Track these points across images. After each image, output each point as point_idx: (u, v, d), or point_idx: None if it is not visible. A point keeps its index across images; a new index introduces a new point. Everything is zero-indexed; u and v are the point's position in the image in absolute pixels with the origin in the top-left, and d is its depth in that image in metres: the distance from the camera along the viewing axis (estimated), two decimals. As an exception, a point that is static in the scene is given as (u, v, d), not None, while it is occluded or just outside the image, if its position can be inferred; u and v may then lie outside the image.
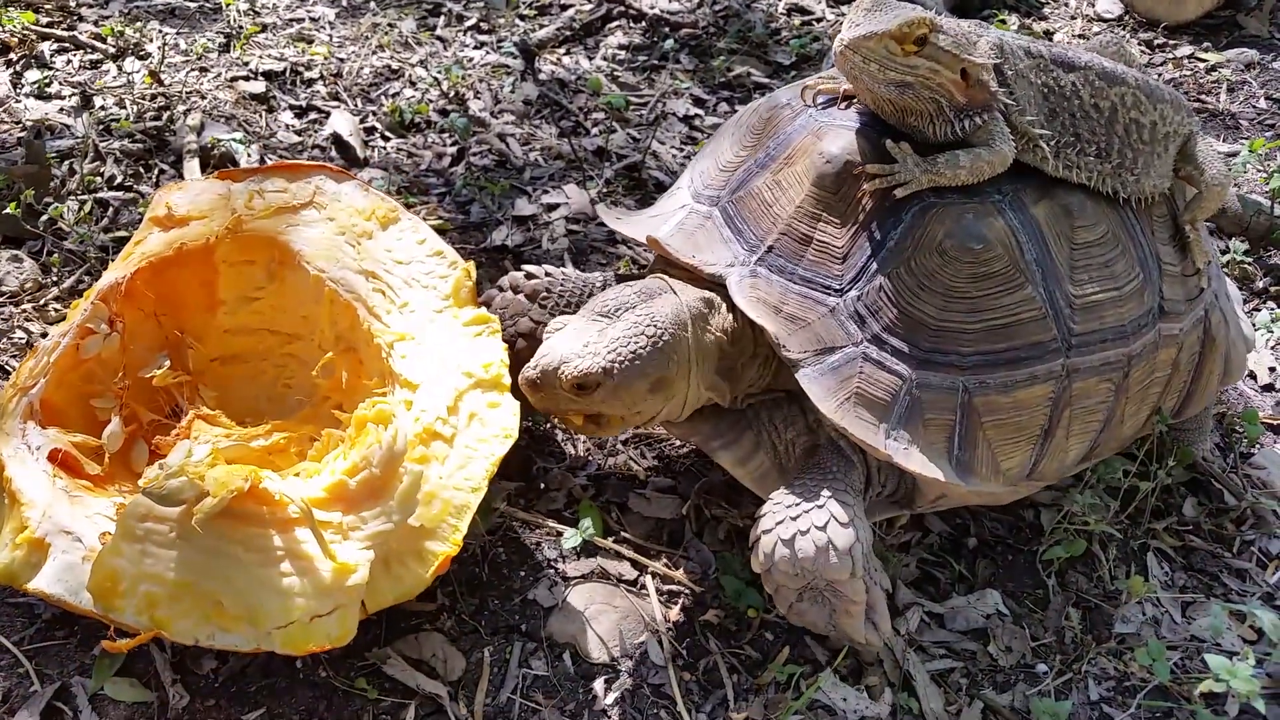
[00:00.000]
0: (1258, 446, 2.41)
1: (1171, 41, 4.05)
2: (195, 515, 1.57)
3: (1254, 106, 3.65)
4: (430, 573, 1.70)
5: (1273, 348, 2.67)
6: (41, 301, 2.49)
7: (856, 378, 1.76)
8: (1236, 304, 2.26)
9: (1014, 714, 1.84)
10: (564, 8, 3.97)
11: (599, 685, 1.81)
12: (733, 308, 1.88)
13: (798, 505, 1.73)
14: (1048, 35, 4.04)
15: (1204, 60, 3.91)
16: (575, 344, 1.73)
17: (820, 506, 1.71)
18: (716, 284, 1.88)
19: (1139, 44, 4.03)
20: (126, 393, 1.96)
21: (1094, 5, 4.28)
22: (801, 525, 1.69)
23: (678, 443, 2.29)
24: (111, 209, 2.77)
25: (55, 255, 2.58)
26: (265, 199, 2.07)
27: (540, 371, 1.72)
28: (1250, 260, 2.87)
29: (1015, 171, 1.83)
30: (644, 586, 1.98)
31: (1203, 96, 3.71)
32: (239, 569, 1.61)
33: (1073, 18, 4.22)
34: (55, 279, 2.55)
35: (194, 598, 1.59)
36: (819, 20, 4.00)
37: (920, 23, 1.68)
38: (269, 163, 2.99)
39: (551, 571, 1.98)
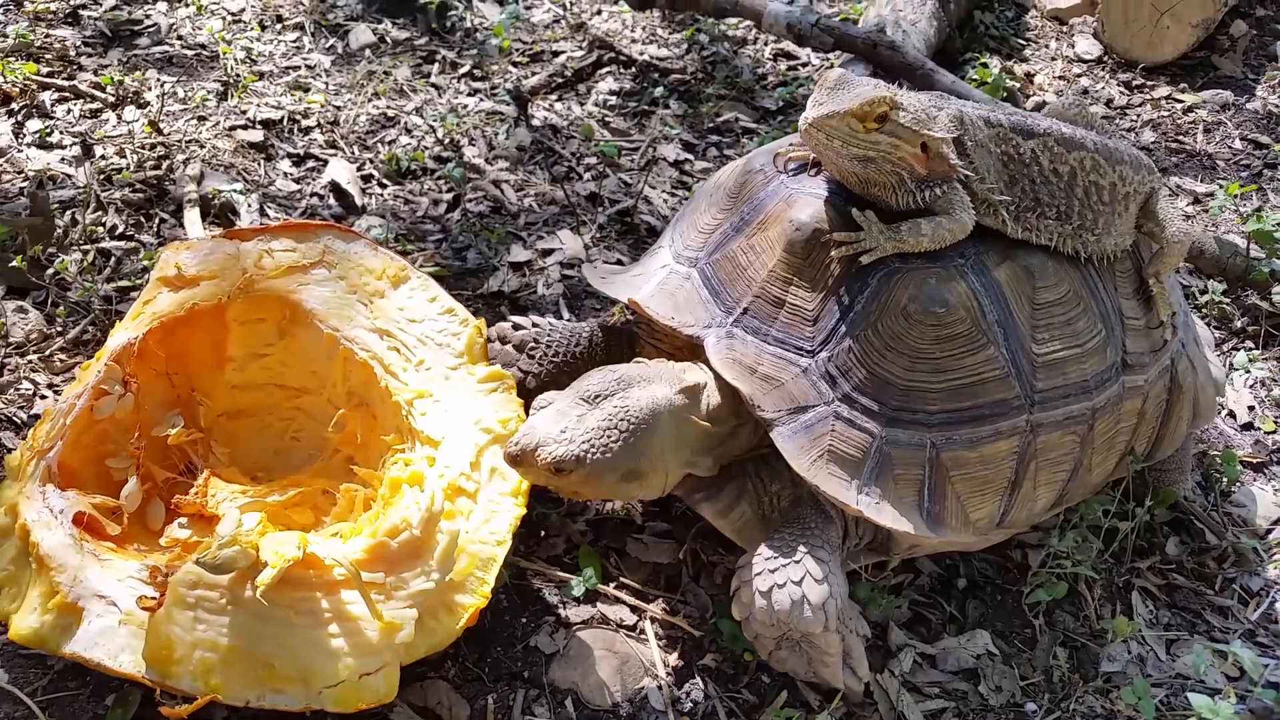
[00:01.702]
0: (1238, 485, 2.47)
1: (1149, 82, 4.14)
2: (258, 586, 1.62)
3: (1229, 147, 3.75)
4: (461, 625, 1.77)
5: (1251, 387, 2.74)
6: (47, 352, 2.53)
7: (828, 435, 1.83)
8: (1207, 348, 2.33)
9: (1005, 753, 1.90)
10: (555, 55, 4.05)
11: (601, 731, 1.86)
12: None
13: (776, 559, 1.81)
14: (1028, 77, 4.13)
15: (1181, 101, 4.01)
16: (554, 428, 1.77)
17: (797, 562, 1.79)
18: (695, 344, 1.95)
19: (1118, 84, 4.13)
20: (141, 452, 2.00)
21: (1074, 47, 4.38)
22: (779, 579, 1.77)
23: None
24: (114, 259, 2.82)
25: (60, 307, 2.62)
26: (275, 258, 2.13)
27: (520, 450, 1.77)
28: (1228, 300, 2.95)
29: (979, 235, 1.91)
30: (643, 631, 2.03)
31: (1180, 137, 3.81)
32: (289, 632, 1.66)
33: (1053, 59, 4.31)
34: (60, 329, 2.60)
35: (246, 661, 1.64)
36: (804, 65, 4.08)
37: (881, 101, 1.77)
38: (269, 212, 3.05)
39: (552, 618, 2.03)
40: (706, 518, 1.99)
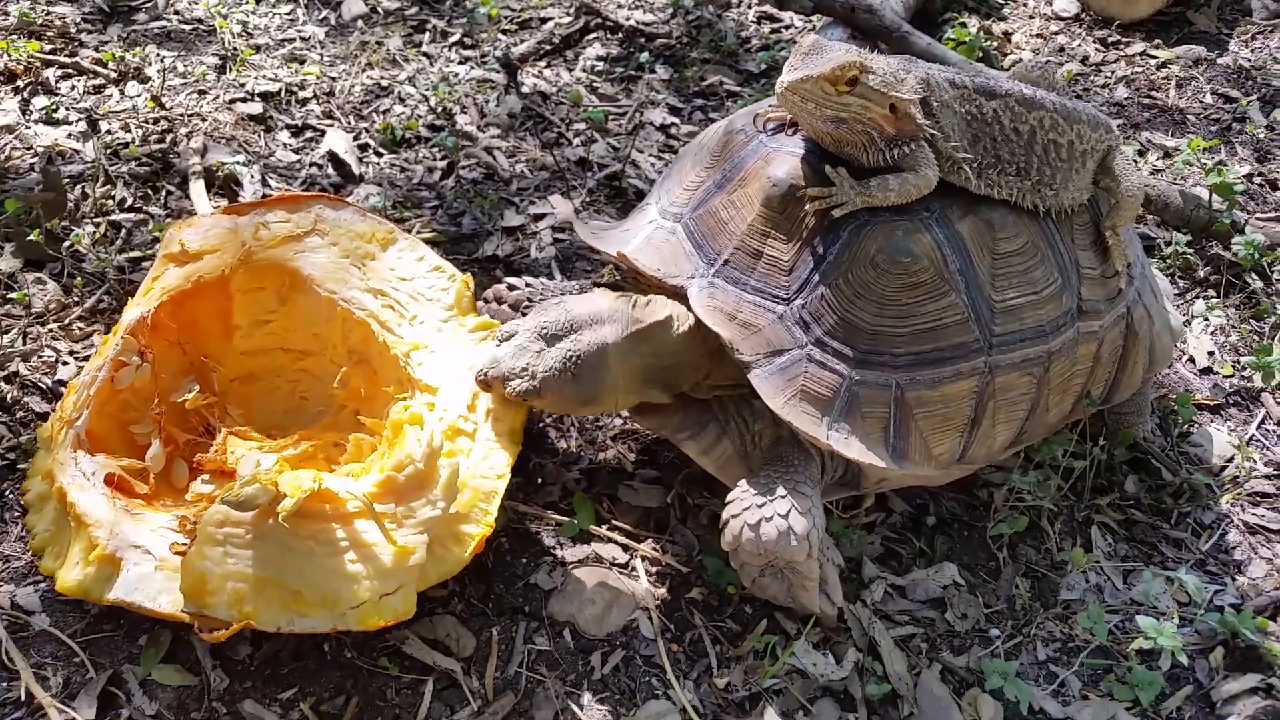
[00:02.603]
0: (1195, 426, 2.62)
1: (1125, 39, 4.25)
2: (280, 513, 1.76)
3: (1200, 101, 3.86)
4: (469, 552, 1.92)
5: (1212, 334, 2.88)
6: (66, 321, 2.66)
7: (802, 376, 1.97)
8: (1165, 298, 2.46)
9: (969, 674, 2.05)
10: (543, 21, 4.15)
11: (596, 658, 2.02)
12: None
13: (763, 494, 1.95)
14: (1006, 36, 4.23)
15: (1155, 57, 4.12)
16: (517, 363, 2.01)
17: (782, 497, 1.93)
18: (679, 294, 2.09)
19: (1094, 41, 4.24)
20: (162, 417, 2.15)
21: (1051, 4, 4.48)
22: (766, 512, 1.92)
23: (662, 437, 2.48)
24: (124, 230, 2.94)
25: (76, 277, 2.75)
26: (271, 230, 2.27)
27: (489, 379, 2.03)
28: (1192, 251, 3.08)
29: (944, 190, 2.04)
30: (634, 569, 2.19)
31: (1153, 93, 3.92)
32: (311, 560, 1.80)
33: (1031, 17, 4.41)
34: (77, 299, 2.73)
35: (274, 589, 1.78)
36: (787, 28, 4.18)
37: (851, 66, 1.89)
38: (271, 182, 3.17)
39: (550, 558, 2.19)
40: (690, 455, 2.14)
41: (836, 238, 2.01)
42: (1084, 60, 4.11)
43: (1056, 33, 4.31)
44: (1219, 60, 4.06)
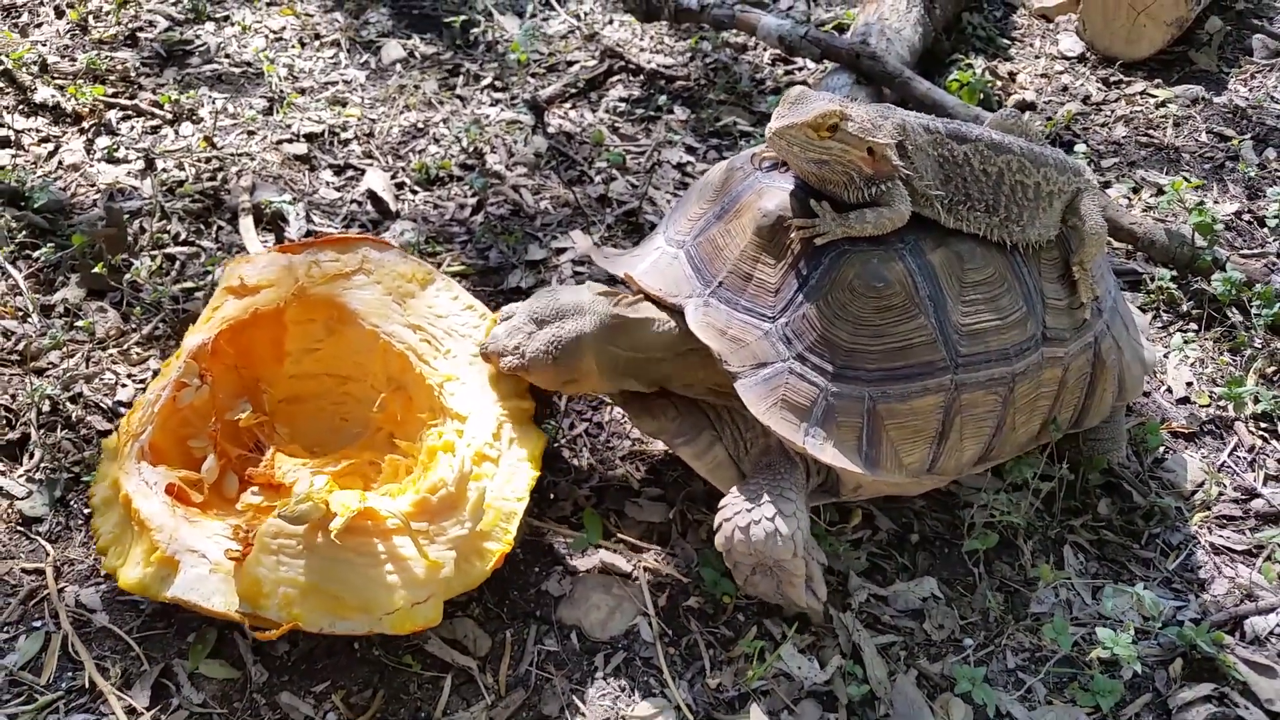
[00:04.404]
0: (1171, 453, 2.79)
1: (1127, 79, 4.41)
2: (331, 530, 2.00)
3: (1196, 140, 4.03)
4: (490, 566, 2.14)
5: (1191, 365, 3.05)
6: (125, 347, 2.92)
7: (783, 387, 2.18)
8: (1139, 332, 2.64)
9: (942, 679, 2.24)
10: (570, 65, 4.39)
11: (600, 659, 2.23)
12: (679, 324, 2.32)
13: (752, 499, 2.17)
14: (1011, 76, 4.42)
15: (1154, 96, 4.28)
16: (510, 342, 2.34)
17: (770, 501, 2.15)
18: (677, 310, 2.32)
19: (1097, 81, 4.41)
20: (217, 433, 2.39)
21: (1057, 45, 4.66)
22: (755, 516, 2.13)
23: (667, 458, 2.70)
24: (179, 263, 3.20)
25: (135, 307, 3.01)
26: (322, 268, 2.52)
27: (488, 353, 2.38)
28: (1175, 287, 3.25)
29: (920, 224, 2.25)
30: (637, 578, 2.39)
31: (1150, 131, 4.08)
32: (353, 570, 2.03)
33: (1037, 58, 4.59)
34: (135, 326, 2.98)
35: (319, 595, 2.00)
36: (800, 69, 4.40)
37: (832, 114, 2.11)
38: (314, 219, 3.42)
39: (560, 567, 2.40)
40: (685, 459, 2.36)
41: (818, 264, 2.22)
42: (1085, 100, 4.28)
43: (1061, 72, 4.48)
44: (1216, 99, 4.22)
